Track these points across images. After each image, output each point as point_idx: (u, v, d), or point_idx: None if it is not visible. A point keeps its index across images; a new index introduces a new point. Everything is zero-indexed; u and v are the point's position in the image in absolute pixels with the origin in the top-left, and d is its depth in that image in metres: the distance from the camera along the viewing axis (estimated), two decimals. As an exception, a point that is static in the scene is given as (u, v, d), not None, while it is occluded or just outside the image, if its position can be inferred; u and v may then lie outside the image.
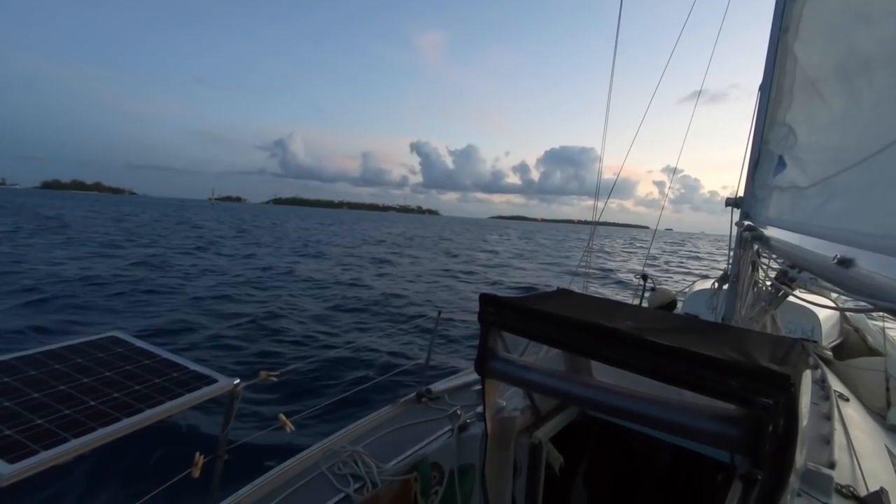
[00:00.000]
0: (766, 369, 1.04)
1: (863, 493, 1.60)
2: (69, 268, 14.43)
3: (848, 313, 5.24)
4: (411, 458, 2.31)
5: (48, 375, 1.50)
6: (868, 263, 1.24)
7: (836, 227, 1.70)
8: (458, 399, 2.94)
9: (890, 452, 2.24)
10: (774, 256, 2.97)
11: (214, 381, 1.65)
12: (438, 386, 3.15)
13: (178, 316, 9.45)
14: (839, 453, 1.87)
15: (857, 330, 5.13)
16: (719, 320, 3.30)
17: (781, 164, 2.70)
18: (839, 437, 2.04)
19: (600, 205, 4.90)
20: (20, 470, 1.11)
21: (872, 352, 4.55)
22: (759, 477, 1.16)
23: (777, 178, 2.73)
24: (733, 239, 3.25)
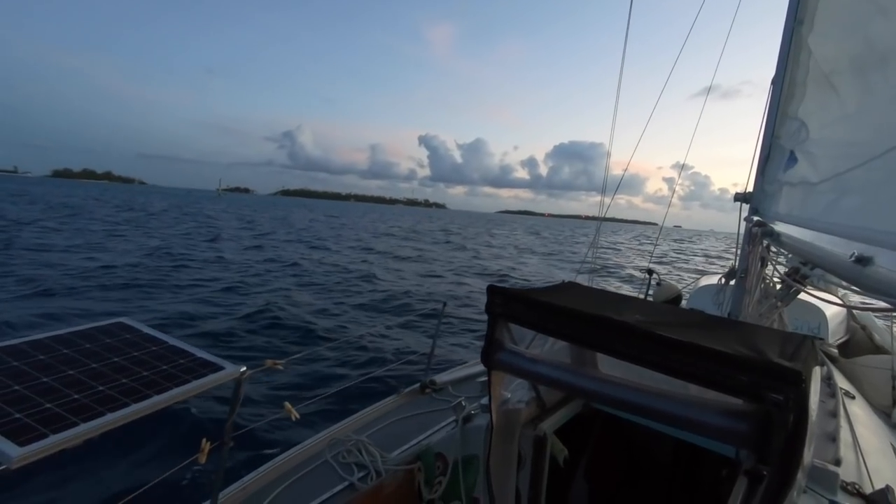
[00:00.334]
0: (778, 365, 1.03)
1: (868, 490, 1.59)
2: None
3: (855, 311, 5.20)
4: (415, 448, 2.32)
5: (57, 360, 1.51)
6: (887, 262, 1.22)
7: (851, 224, 1.68)
8: (462, 390, 2.95)
9: (895, 450, 2.23)
10: (784, 252, 2.94)
11: (221, 368, 1.65)
12: (442, 377, 3.15)
13: (184, 308, 9.53)
14: (845, 451, 1.86)
15: (863, 327, 5.10)
16: (725, 316, 3.28)
17: (792, 159, 2.66)
18: (845, 434, 2.03)
19: (607, 200, 4.87)
20: (30, 453, 1.12)
21: (879, 349, 4.52)
22: (765, 473, 1.15)
23: (788, 174, 2.70)
24: (741, 234, 3.23)
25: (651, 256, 6.63)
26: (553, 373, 1.53)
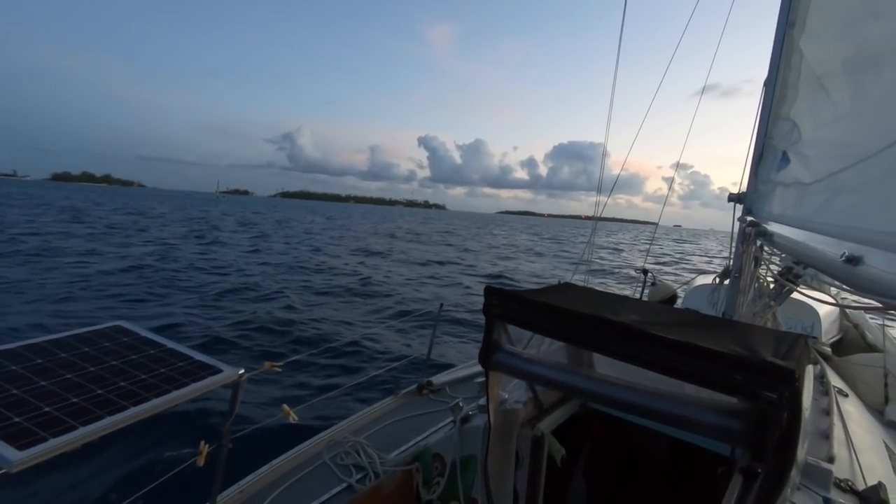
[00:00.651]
0: (772, 364, 1.05)
1: (861, 487, 1.61)
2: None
3: (847, 310, 5.25)
4: (413, 448, 2.32)
5: (55, 364, 1.51)
6: (877, 261, 1.23)
7: (843, 224, 1.70)
8: (459, 391, 2.96)
9: (888, 447, 2.26)
10: (777, 252, 2.97)
11: (219, 370, 1.65)
12: (439, 378, 3.16)
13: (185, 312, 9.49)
14: (838, 448, 1.88)
15: (856, 326, 5.15)
16: (720, 315, 3.31)
17: (785, 159, 2.69)
18: (838, 432, 2.05)
19: (603, 200, 4.89)
20: (29, 457, 1.12)
21: (871, 348, 4.56)
22: (760, 470, 1.17)
23: (781, 174, 2.73)
24: (735, 234, 3.25)
25: (647, 256, 6.66)
26: (550, 373, 1.55)
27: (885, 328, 4.40)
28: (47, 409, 1.28)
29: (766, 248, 3.10)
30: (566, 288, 1.90)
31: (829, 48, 2.37)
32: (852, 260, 1.31)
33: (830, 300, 3.87)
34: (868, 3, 1.89)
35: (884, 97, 1.68)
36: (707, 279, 5.01)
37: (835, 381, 2.84)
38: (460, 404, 2.24)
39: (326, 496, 2.01)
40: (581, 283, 2.34)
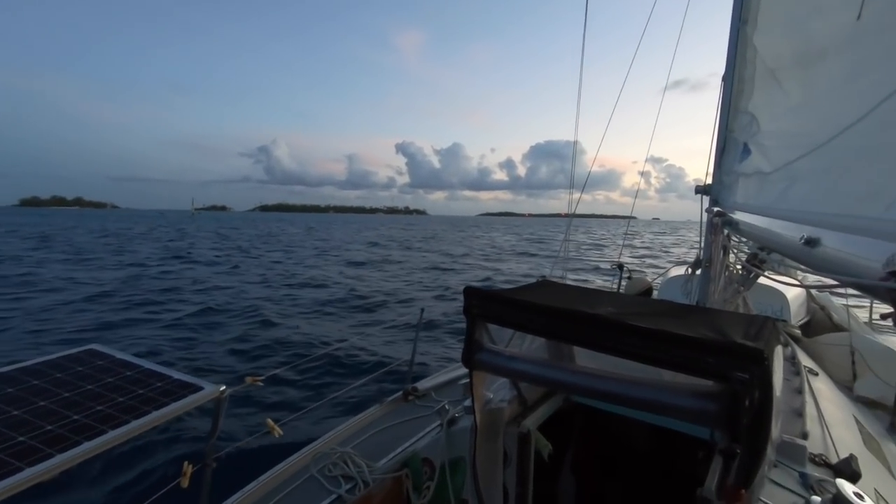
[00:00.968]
0: (741, 345, 1.09)
1: (834, 460, 1.68)
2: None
3: (814, 292, 5.46)
4: (401, 455, 2.32)
5: (26, 392, 1.46)
6: (832, 242, 1.31)
7: (800, 210, 1.78)
8: (445, 395, 2.96)
9: (857, 421, 2.36)
10: (744, 240, 3.08)
11: (200, 388, 1.63)
12: (424, 383, 3.16)
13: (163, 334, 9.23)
14: (811, 424, 1.96)
15: (822, 308, 5.36)
16: (694, 304, 3.40)
17: (746, 151, 2.80)
18: (810, 409, 2.13)
19: (579, 196, 4.99)
20: (5, 488, 1.09)
21: (837, 328, 4.76)
22: (738, 451, 1.21)
23: (742, 165, 2.83)
24: (704, 225, 3.36)
25: (622, 250, 6.81)
26: (532, 369, 1.57)
27: (849, 308, 4.59)
28: (21, 438, 1.24)
29: (733, 237, 3.22)
30: (544, 285, 1.94)
31: (780, 43, 2.48)
32: (810, 242, 1.38)
33: (796, 282, 4.04)
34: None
35: (830, 88, 1.77)
36: (680, 270, 5.15)
37: (805, 360, 2.96)
38: (446, 407, 2.24)
39: None
40: (558, 280, 2.39)
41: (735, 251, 3.29)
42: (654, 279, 6.41)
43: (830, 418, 2.11)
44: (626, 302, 1.79)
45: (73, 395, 1.47)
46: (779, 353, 1.35)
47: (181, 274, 17.80)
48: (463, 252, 31.24)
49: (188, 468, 1.61)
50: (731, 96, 3.02)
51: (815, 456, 1.69)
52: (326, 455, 2.31)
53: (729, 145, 3.10)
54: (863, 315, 5.22)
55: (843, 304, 4.92)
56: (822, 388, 2.59)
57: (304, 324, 9.94)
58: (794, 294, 4.85)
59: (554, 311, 1.39)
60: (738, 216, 2.69)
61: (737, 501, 1.15)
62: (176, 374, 1.69)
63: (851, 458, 1.63)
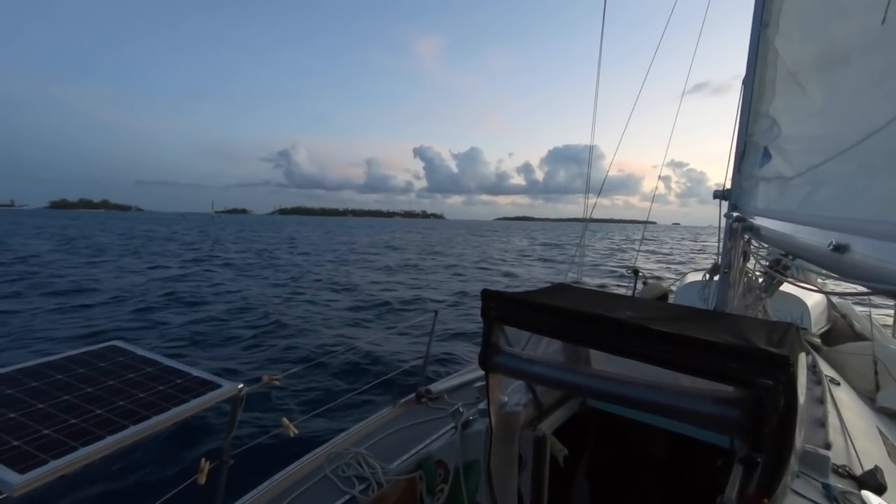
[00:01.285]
0: (766, 351, 1.07)
1: (858, 472, 1.64)
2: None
3: (835, 300, 5.34)
4: (415, 457, 2.32)
5: (51, 386, 1.49)
6: (863, 248, 1.28)
7: (826, 215, 1.75)
8: (458, 398, 2.96)
9: (881, 432, 2.30)
10: (765, 245, 3.03)
11: (218, 386, 1.65)
12: (438, 386, 3.15)
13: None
14: (834, 435, 1.91)
15: (843, 316, 5.24)
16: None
17: (767, 155, 2.76)
18: (833, 419, 2.08)
19: (596, 201, 4.96)
20: (30, 480, 1.11)
21: (859, 337, 4.64)
22: (759, 460, 1.19)
23: (763, 170, 2.79)
24: (723, 230, 3.31)
25: (637, 255, 6.73)
26: (549, 372, 1.56)
27: (872, 317, 4.48)
28: (46, 431, 1.27)
29: (753, 243, 3.16)
30: (561, 288, 1.93)
31: (802, 46, 2.44)
32: (839, 248, 1.35)
33: (822, 290, 3.95)
34: (836, 0, 1.96)
35: (854, 91, 1.74)
36: (697, 276, 5.07)
37: (826, 370, 2.89)
38: (461, 410, 2.24)
39: None
40: (574, 284, 2.37)
41: (755, 257, 3.23)
42: (670, 285, 6.33)
43: (853, 429, 2.06)
44: (645, 306, 1.77)
45: (95, 390, 1.50)
46: (802, 361, 1.33)
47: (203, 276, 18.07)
48: (478, 258, 31.20)
49: (205, 465, 1.63)
50: (751, 100, 2.98)
51: (839, 467, 1.65)
52: (340, 455, 2.31)
53: (749, 149, 3.06)
54: (886, 324, 5.09)
55: (866, 313, 4.80)
56: (845, 397, 2.53)
57: (322, 325, 9.99)
58: (814, 301, 4.75)
59: (573, 315, 1.38)
60: (759, 221, 2.65)
61: None
62: (195, 372, 1.71)
63: (876, 470, 1.59)
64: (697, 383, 1.23)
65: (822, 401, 2.29)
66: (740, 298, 3.09)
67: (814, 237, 1.69)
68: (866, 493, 1.40)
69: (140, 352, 1.80)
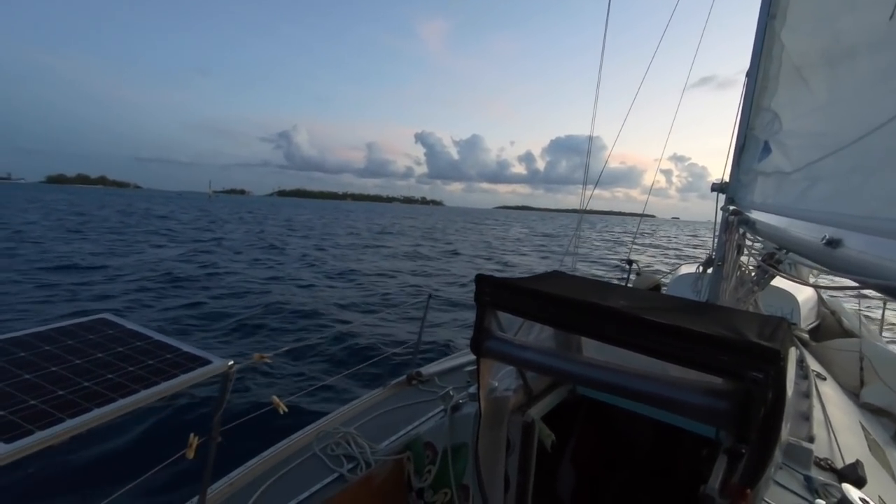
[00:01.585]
0: (757, 344, 1.08)
1: (840, 465, 1.67)
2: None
3: (825, 297, 5.40)
4: (404, 438, 2.33)
5: (39, 357, 1.48)
6: (856, 244, 1.28)
7: (821, 211, 1.75)
8: (449, 381, 2.98)
9: (864, 427, 2.34)
10: (759, 239, 3.03)
11: (208, 362, 1.64)
12: (429, 369, 3.17)
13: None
14: (817, 429, 1.94)
15: (833, 313, 5.30)
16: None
17: (766, 149, 2.75)
18: (817, 413, 2.11)
19: (593, 192, 4.95)
20: (16, 450, 1.10)
21: (847, 333, 4.70)
22: (744, 451, 1.20)
23: (762, 164, 2.78)
24: (718, 223, 3.31)
25: (632, 246, 6.76)
26: (540, 358, 1.57)
27: (861, 314, 4.53)
28: (33, 402, 1.26)
29: (748, 236, 3.17)
30: (555, 276, 1.92)
31: (809, 40, 2.41)
32: (832, 243, 1.36)
33: (811, 284, 3.98)
34: (846, -6, 1.93)
35: (858, 88, 1.72)
36: (690, 268, 5.10)
37: (813, 365, 2.93)
38: (451, 393, 2.25)
39: (318, 486, 2.02)
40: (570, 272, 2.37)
41: (749, 251, 3.24)
42: (663, 276, 6.37)
43: (837, 423, 2.10)
44: (639, 296, 1.78)
45: (83, 362, 1.49)
46: (791, 355, 1.34)
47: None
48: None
49: (194, 440, 1.63)
50: (754, 93, 2.96)
51: (821, 460, 1.68)
52: (330, 434, 2.33)
53: (749, 143, 3.04)
54: (874, 321, 5.16)
55: (855, 310, 4.85)
56: (830, 392, 2.57)
57: (316, 304, 9.98)
58: (804, 297, 4.80)
59: (566, 302, 1.38)
60: (755, 215, 2.65)
61: (741, 500, 1.15)
62: (185, 347, 1.70)
63: (857, 464, 1.62)
64: (687, 374, 1.24)
65: (807, 395, 2.33)
66: (732, 291, 3.10)
67: (808, 232, 1.69)
68: (846, 486, 1.42)
69: (130, 325, 1.79)
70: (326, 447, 2.26)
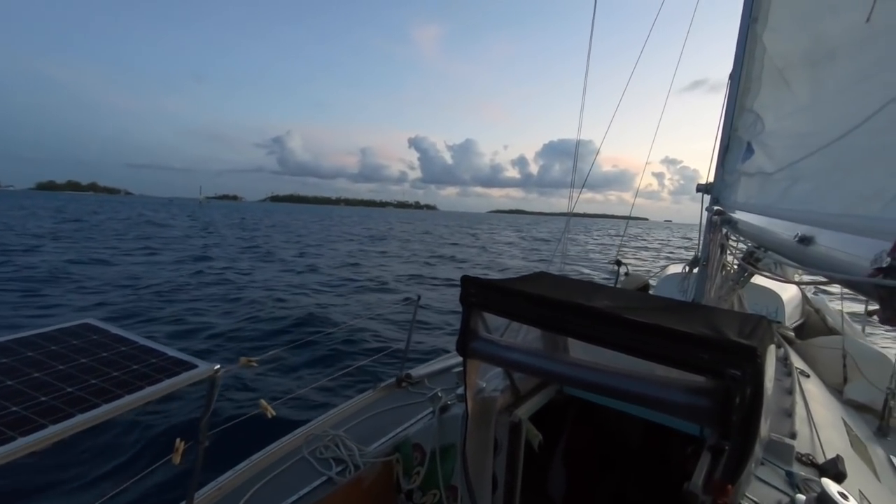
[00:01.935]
0: (735, 342, 1.10)
1: (821, 460, 1.69)
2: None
3: (809, 295, 5.49)
4: (393, 440, 2.33)
5: (21, 363, 1.46)
6: (826, 240, 1.31)
7: (799, 209, 1.78)
8: (438, 383, 2.98)
9: (846, 423, 2.38)
10: (742, 239, 3.08)
11: (194, 366, 1.62)
12: (418, 371, 3.17)
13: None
14: (800, 425, 1.97)
15: (817, 311, 5.38)
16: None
17: (749, 150, 2.79)
18: (800, 409, 2.15)
19: (579, 195, 4.98)
20: None
21: (831, 331, 4.78)
22: (726, 447, 1.22)
23: (745, 164, 2.82)
24: (704, 223, 3.35)
25: (619, 248, 6.81)
26: (526, 359, 1.58)
27: (844, 312, 4.61)
28: (14, 408, 1.24)
29: (731, 236, 3.22)
30: (541, 276, 1.94)
31: (790, 42, 2.46)
32: (804, 240, 1.39)
33: (788, 280, 4.05)
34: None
35: (838, 89, 1.76)
36: (677, 268, 5.16)
37: (797, 362, 2.97)
38: (439, 394, 2.25)
39: (306, 490, 2.01)
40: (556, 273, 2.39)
41: (732, 250, 3.29)
42: (651, 276, 6.43)
43: (819, 420, 2.13)
44: (623, 296, 1.79)
45: (67, 367, 1.47)
46: (772, 353, 1.36)
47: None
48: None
49: (181, 445, 1.61)
50: (737, 94, 3.00)
51: (802, 455, 1.71)
52: (318, 437, 2.32)
53: (733, 144, 3.08)
54: (858, 319, 5.25)
55: (838, 309, 4.93)
56: (813, 389, 2.61)
57: (306, 308, 9.92)
58: (789, 296, 4.87)
59: (550, 302, 1.39)
60: (738, 215, 2.69)
61: (723, 496, 1.16)
62: (171, 352, 1.68)
63: (838, 459, 1.65)
64: (671, 373, 1.26)
65: (790, 392, 2.36)
66: (717, 290, 3.14)
67: (784, 230, 1.73)
68: (826, 481, 1.44)
69: (114, 330, 1.77)
70: (315, 450, 2.25)
